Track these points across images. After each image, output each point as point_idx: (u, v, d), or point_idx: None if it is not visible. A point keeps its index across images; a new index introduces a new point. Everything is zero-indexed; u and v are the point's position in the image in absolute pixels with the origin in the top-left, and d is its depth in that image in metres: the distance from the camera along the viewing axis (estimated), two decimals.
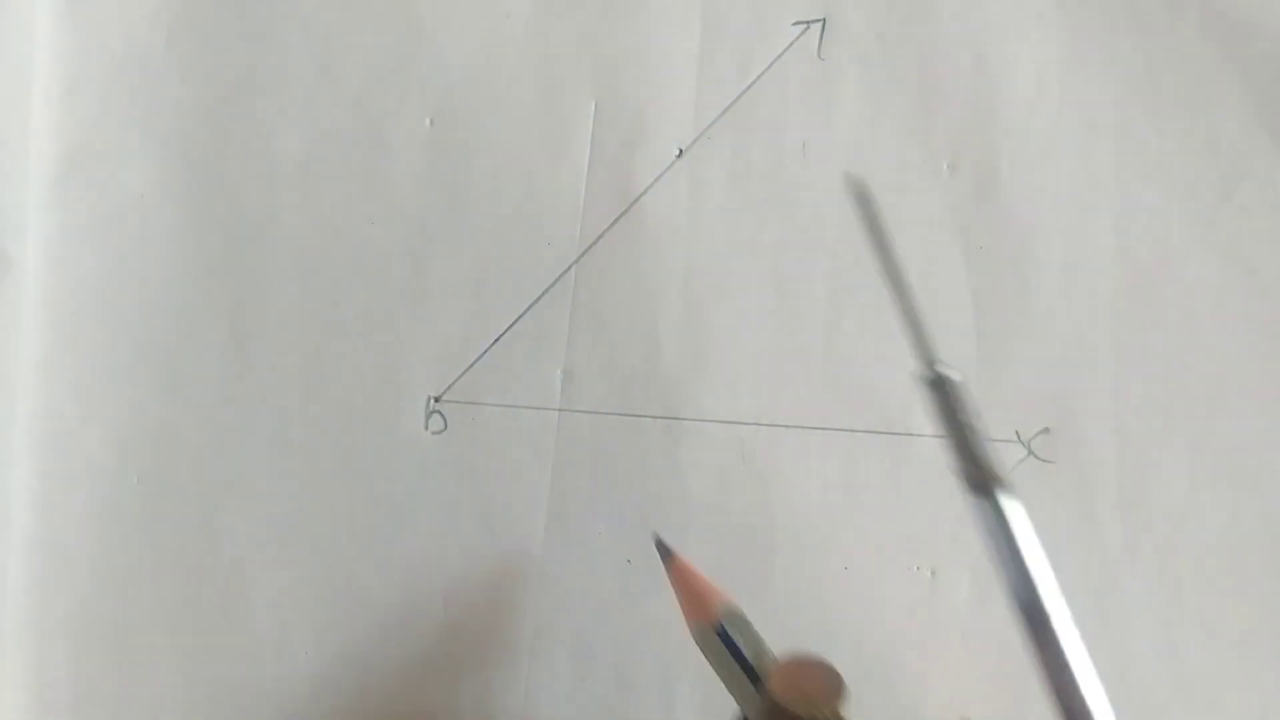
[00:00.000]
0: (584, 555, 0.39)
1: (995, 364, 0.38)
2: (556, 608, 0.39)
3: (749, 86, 0.39)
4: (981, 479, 0.27)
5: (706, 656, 0.34)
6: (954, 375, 0.27)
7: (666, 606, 0.39)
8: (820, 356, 0.39)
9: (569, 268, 0.39)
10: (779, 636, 0.39)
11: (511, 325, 0.39)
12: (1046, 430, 0.38)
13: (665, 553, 0.37)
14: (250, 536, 0.40)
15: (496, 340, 0.39)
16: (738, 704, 0.34)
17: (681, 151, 0.39)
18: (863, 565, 0.38)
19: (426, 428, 0.39)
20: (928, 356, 0.27)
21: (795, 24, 0.39)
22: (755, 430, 0.39)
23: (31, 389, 0.40)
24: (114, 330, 0.40)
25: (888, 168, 0.38)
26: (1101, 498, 0.37)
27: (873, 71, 0.38)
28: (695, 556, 0.39)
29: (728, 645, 0.34)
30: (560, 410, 0.39)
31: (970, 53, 0.38)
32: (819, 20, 0.39)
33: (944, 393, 0.27)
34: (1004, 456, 0.38)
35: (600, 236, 0.39)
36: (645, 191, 0.39)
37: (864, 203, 0.29)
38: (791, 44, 0.39)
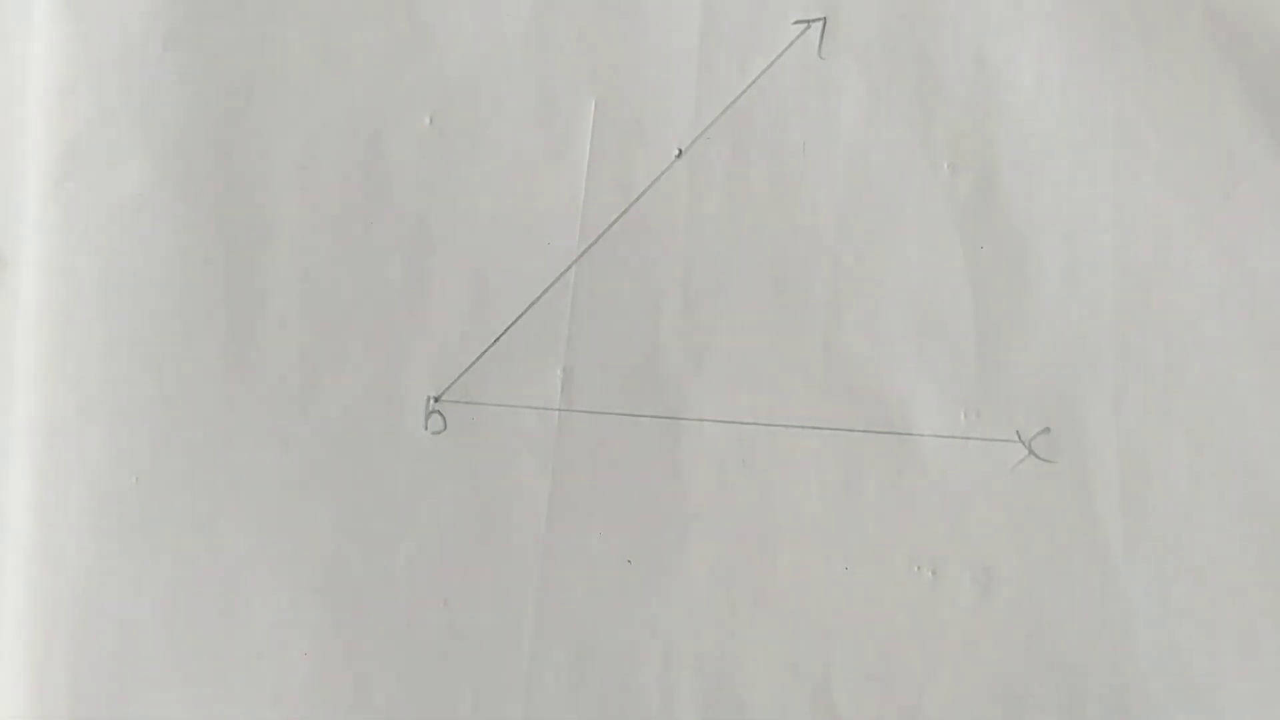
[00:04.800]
0: (584, 555, 0.39)
1: (996, 363, 0.38)
2: (556, 608, 0.39)
3: (749, 86, 0.39)
4: None
5: None
6: None
7: (666, 606, 0.39)
8: (820, 356, 0.39)
9: (569, 267, 0.39)
10: (779, 636, 0.39)
11: (511, 325, 0.39)
12: (1047, 430, 0.38)
13: None
14: (250, 537, 0.40)
15: (496, 340, 0.39)
16: None
17: (681, 151, 0.39)
18: (863, 565, 0.38)
19: (426, 428, 0.39)
20: None
21: (796, 23, 0.39)
22: (755, 430, 0.39)
23: (30, 389, 0.40)
24: (113, 330, 0.40)
25: (888, 167, 0.38)
26: (1102, 497, 0.37)
27: (874, 71, 0.38)
28: (696, 557, 0.39)
29: None
30: (560, 410, 0.39)
31: (971, 52, 0.38)
32: (820, 19, 0.38)
33: None
34: (1004, 456, 0.38)
35: (600, 236, 0.39)
36: (645, 191, 0.39)
37: None
38: (792, 43, 0.39)
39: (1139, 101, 0.38)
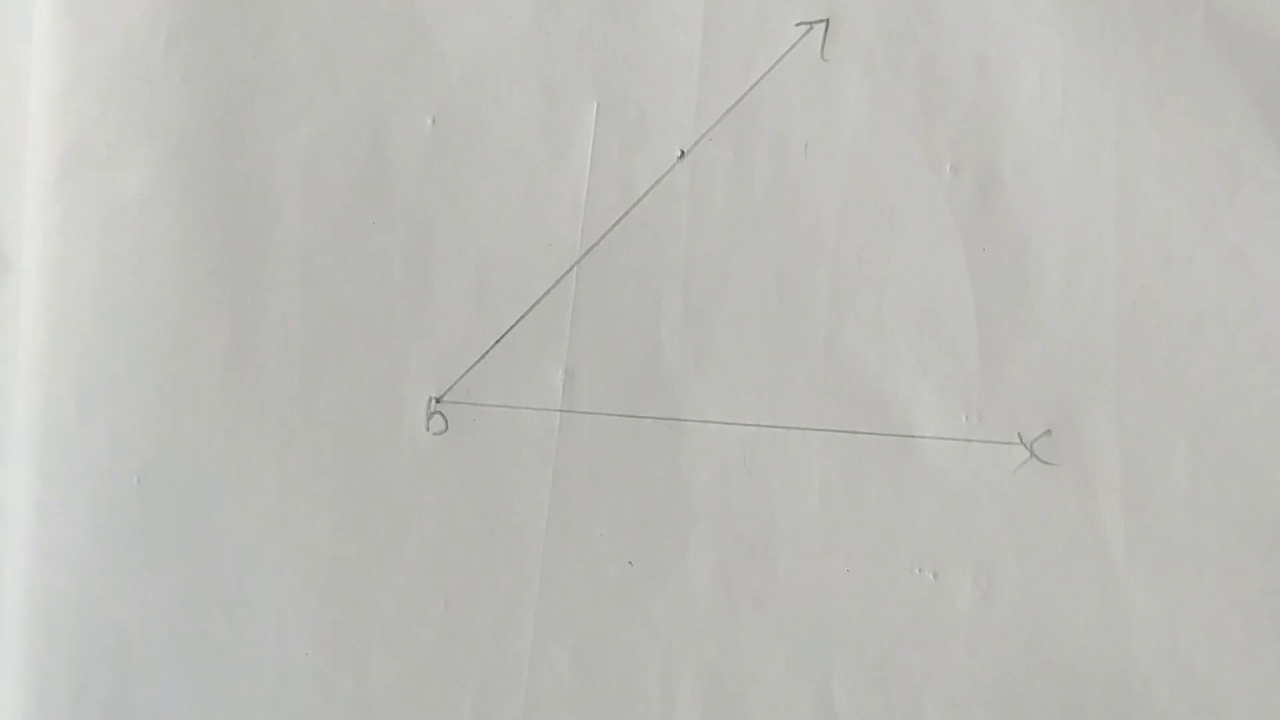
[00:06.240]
0: (585, 556, 0.39)
1: (998, 365, 0.38)
2: (557, 608, 0.39)
3: (751, 87, 0.39)
4: None
5: None
6: None
7: (667, 607, 0.39)
8: (821, 357, 0.39)
9: (570, 268, 0.39)
10: (780, 638, 0.39)
11: (513, 326, 0.39)
12: (1049, 432, 0.38)
13: None
14: (250, 536, 0.40)
15: (498, 341, 0.39)
16: None
17: (683, 152, 0.39)
18: (864, 567, 0.38)
19: (428, 429, 0.39)
20: None
21: (798, 25, 0.39)
22: (756, 431, 0.39)
23: (31, 389, 0.40)
24: (114, 330, 0.40)
25: (890, 169, 0.38)
26: (1104, 499, 0.38)
27: (876, 72, 0.38)
28: (697, 558, 0.39)
29: None
30: (562, 411, 0.39)
31: (973, 54, 0.38)
32: (822, 21, 0.38)
33: None
34: (1006, 459, 0.38)
35: (602, 237, 0.39)
36: (647, 193, 0.39)
37: None
38: (794, 45, 0.39)
39: (1140, 103, 0.38)
